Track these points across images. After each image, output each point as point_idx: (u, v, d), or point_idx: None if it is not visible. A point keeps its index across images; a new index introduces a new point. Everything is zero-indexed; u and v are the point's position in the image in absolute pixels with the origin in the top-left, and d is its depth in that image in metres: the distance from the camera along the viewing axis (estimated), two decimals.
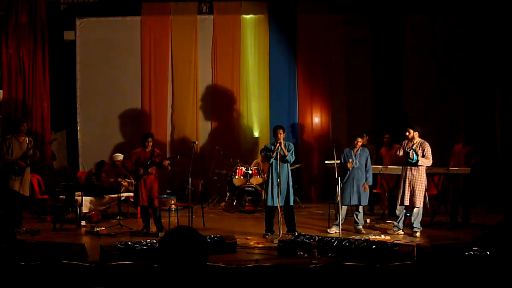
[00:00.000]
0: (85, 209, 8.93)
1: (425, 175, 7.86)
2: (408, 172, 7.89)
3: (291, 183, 7.88)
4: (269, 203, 7.78)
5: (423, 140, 7.93)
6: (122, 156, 9.67)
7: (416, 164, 7.76)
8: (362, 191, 8.13)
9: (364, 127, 9.93)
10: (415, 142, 7.93)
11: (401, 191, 7.90)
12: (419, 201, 7.80)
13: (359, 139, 8.28)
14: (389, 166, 8.95)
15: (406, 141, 8.01)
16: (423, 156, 7.82)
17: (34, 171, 9.69)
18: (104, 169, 9.83)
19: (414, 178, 7.84)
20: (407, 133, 7.92)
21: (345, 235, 7.61)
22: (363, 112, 11.24)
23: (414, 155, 7.71)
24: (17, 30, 10.97)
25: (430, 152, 7.83)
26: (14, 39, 10.96)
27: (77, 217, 8.68)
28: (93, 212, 9.03)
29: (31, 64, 11.06)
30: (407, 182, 7.87)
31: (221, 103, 11.50)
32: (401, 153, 7.97)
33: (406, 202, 7.87)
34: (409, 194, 7.84)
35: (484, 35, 10.33)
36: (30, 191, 9.22)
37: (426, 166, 7.86)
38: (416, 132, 7.93)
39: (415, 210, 7.87)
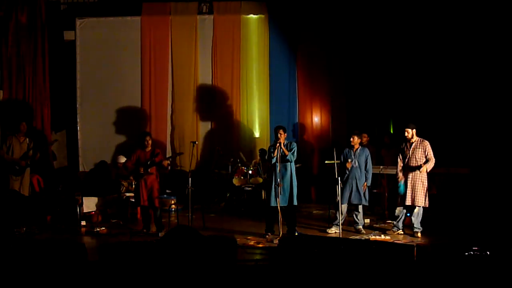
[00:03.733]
0: (85, 209, 8.95)
1: (425, 174, 7.87)
2: (409, 173, 7.89)
3: (295, 183, 7.86)
4: (273, 204, 7.75)
5: (422, 139, 7.94)
6: (125, 159, 9.67)
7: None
8: (362, 190, 8.14)
9: (365, 128, 9.93)
10: (413, 141, 7.93)
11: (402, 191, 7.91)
12: (421, 200, 7.81)
13: (355, 137, 8.28)
14: (389, 166, 8.97)
15: (403, 144, 8.02)
16: (425, 157, 7.83)
17: (35, 171, 9.70)
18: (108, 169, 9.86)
19: (415, 178, 7.85)
20: (406, 133, 7.92)
21: (345, 235, 7.62)
22: (363, 112, 11.23)
23: (400, 188, 7.91)
24: (17, 30, 10.98)
25: (431, 151, 7.85)
26: (14, 39, 10.97)
27: (77, 217, 8.69)
28: (94, 212, 9.04)
29: (31, 64, 11.06)
30: (408, 182, 7.87)
31: (221, 103, 11.50)
32: (400, 165, 7.99)
33: (408, 202, 7.87)
34: (410, 194, 7.85)
35: None
36: (30, 191, 9.24)
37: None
38: (414, 130, 7.94)
39: (416, 209, 7.87)
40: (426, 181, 7.88)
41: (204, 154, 11.32)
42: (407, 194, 7.86)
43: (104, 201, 9.32)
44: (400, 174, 7.99)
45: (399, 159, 8.05)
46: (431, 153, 7.84)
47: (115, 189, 9.43)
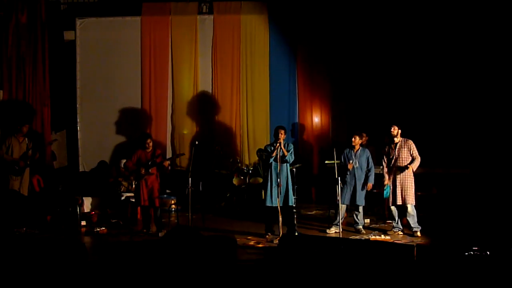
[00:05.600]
0: (85, 209, 8.96)
1: (412, 171, 7.88)
2: (397, 172, 7.91)
3: (290, 183, 7.88)
4: (268, 203, 7.79)
5: (405, 138, 7.97)
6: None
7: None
8: (362, 191, 8.14)
9: (365, 128, 9.93)
10: (397, 141, 7.96)
11: (392, 191, 7.91)
12: (412, 198, 7.83)
13: (357, 137, 8.29)
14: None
15: (387, 147, 8.03)
16: (411, 156, 7.85)
17: (35, 171, 9.69)
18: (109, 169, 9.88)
19: (404, 177, 7.87)
20: (392, 129, 7.95)
21: (345, 235, 7.63)
22: (364, 112, 11.23)
23: (385, 191, 7.96)
24: (17, 30, 10.97)
25: (416, 149, 7.88)
26: (14, 39, 10.96)
27: (77, 217, 8.69)
28: (93, 212, 9.05)
29: (31, 64, 11.05)
30: (397, 181, 7.89)
31: (221, 103, 11.49)
32: (385, 168, 8.02)
33: (399, 202, 7.89)
34: (400, 194, 7.86)
35: None
36: (29, 191, 9.23)
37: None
38: (400, 130, 7.97)
39: (409, 209, 7.87)
40: (413, 179, 7.89)
41: (204, 154, 11.31)
42: (397, 194, 7.87)
43: (104, 201, 9.33)
44: (386, 177, 8.01)
45: (383, 162, 8.08)
46: (416, 151, 7.88)
47: (114, 189, 9.44)
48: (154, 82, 11.42)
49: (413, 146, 7.91)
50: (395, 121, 8.13)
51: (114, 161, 10.56)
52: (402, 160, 7.91)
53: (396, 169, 7.93)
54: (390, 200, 7.97)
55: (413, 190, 7.87)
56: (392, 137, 8.00)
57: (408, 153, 7.91)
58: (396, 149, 7.95)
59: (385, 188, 8.01)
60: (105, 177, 9.88)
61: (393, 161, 7.97)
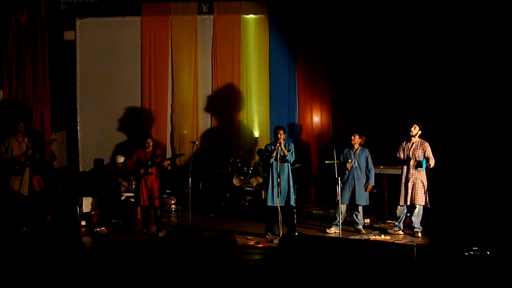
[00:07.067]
0: (85, 209, 8.96)
1: (425, 173, 7.86)
2: (409, 172, 7.89)
3: (291, 183, 7.88)
4: (269, 203, 7.79)
5: (422, 140, 7.93)
6: (124, 158, 9.69)
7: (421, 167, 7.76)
8: (361, 190, 8.13)
9: (365, 128, 9.93)
10: (414, 142, 7.92)
11: (403, 191, 7.89)
12: (421, 199, 7.80)
13: (356, 136, 8.27)
14: (389, 166, 8.96)
15: (405, 142, 8.00)
16: (425, 157, 7.83)
17: (35, 171, 9.69)
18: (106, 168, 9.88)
19: (415, 177, 7.84)
20: (413, 128, 7.88)
21: (345, 235, 7.62)
22: (364, 112, 11.23)
23: (423, 163, 7.74)
24: (17, 30, 10.98)
25: (431, 152, 7.85)
26: (14, 39, 10.97)
27: (77, 217, 8.69)
28: (93, 212, 9.05)
29: (31, 64, 11.06)
30: (409, 181, 7.87)
31: (221, 103, 11.50)
32: (401, 155, 7.97)
33: (408, 202, 7.87)
34: (410, 193, 7.84)
35: None
36: (29, 191, 9.24)
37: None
38: (420, 131, 7.92)
39: (416, 209, 7.86)
40: (426, 181, 7.87)
41: (204, 154, 11.31)
42: (408, 193, 7.85)
43: (104, 201, 9.33)
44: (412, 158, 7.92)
45: (400, 153, 8.00)
46: (431, 154, 7.84)
47: (114, 189, 9.44)
48: (154, 82, 11.43)
49: (428, 149, 7.84)
50: (414, 120, 8.03)
51: (113, 161, 10.56)
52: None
53: (408, 169, 7.90)
54: (400, 199, 7.93)
55: (423, 190, 7.82)
56: (410, 136, 7.94)
57: (422, 155, 7.85)
58: (411, 149, 7.90)
59: (422, 160, 7.78)
60: (103, 175, 9.89)
61: (406, 159, 7.94)
